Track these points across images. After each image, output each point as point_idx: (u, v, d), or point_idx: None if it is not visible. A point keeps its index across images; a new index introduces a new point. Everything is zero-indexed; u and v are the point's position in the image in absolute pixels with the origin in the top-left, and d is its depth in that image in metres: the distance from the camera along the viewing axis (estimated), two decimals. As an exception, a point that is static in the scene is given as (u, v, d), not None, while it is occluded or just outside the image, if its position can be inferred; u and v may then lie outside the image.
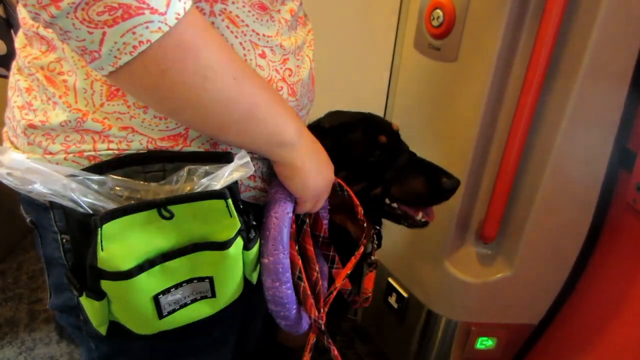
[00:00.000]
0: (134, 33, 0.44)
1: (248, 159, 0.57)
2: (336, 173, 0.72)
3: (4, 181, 0.50)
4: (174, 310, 0.60)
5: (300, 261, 0.67)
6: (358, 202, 0.74)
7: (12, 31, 0.97)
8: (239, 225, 0.59)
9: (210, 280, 0.60)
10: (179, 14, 0.45)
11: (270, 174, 0.68)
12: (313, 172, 0.64)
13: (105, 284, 0.54)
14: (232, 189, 0.57)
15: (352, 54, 1.41)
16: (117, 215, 0.51)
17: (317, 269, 0.72)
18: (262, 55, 0.60)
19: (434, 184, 0.86)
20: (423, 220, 0.91)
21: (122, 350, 0.68)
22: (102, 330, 0.60)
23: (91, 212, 0.52)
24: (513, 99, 1.02)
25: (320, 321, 0.69)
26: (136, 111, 0.55)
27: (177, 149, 0.57)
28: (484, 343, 1.36)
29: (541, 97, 0.99)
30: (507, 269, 1.22)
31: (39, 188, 0.50)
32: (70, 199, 0.51)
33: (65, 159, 0.55)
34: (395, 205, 0.90)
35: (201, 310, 0.63)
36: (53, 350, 1.66)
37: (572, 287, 1.23)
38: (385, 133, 0.88)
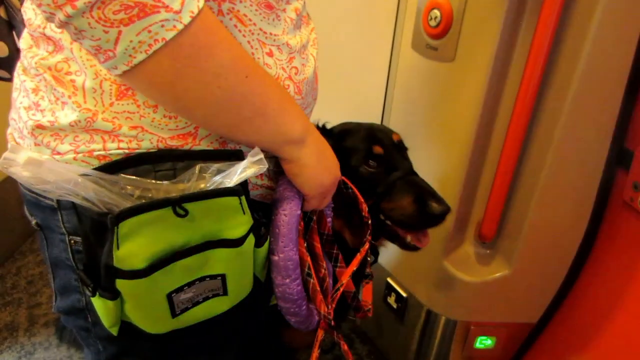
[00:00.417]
0: (149, 31, 0.44)
1: (262, 155, 0.57)
2: None
3: (20, 179, 0.50)
4: (186, 309, 0.60)
5: (309, 258, 0.68)
6: (362, 200, 0.74)
7: (14, 33, 0.97)
8: (251, 222, 0.59)
9: (223, 277, 0.60)
10: (193, 12, 0.46)
11: (277, 173, 0.68)
12: (320, 169, 0.65)
13: (121, 283, 0.54)
14: (243, 187, 0.58)
15: (350, 55, 1.42)
16: (134, 214, 0.51)
17: (324, 265, 0.72)
18: (270, 54, 0.60)
19: (422, 205, 0.83)
20: (411, 244, 0.88)
21: (131, 351, 0.68)
22: (114, 331, 0.60)
23: (106, 210, 0.52)
24: (511, 98, 1.03)
25: (329, 317, 0.69)
26: (146, 110, 0.55)
27: (186, 147, 0.57)
28: (483, 342, 1.36)
29: (538, 96, 1.00)
30: (505, 268, 1.23)
31: (53, 186, 0.50)
32: (84, 198, 0.51)
33: (74, 159, 0.55)
34: (389, 222, 0.89)
35: (213, 308, 0.63)
36: (53, 355, 1.65)
37: (570, 285, 1.24)
38: (382, 144, 0.87)
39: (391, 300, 1.50)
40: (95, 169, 0.54)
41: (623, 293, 1.11)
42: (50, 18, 0.44)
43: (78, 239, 0.61)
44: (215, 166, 0.56)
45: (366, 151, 0.85)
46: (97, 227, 0.53)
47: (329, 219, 0.77)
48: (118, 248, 0.52)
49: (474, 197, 1.21)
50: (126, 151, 0.56)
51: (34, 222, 0.66)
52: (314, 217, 0.74)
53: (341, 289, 0.72)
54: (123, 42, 0.44)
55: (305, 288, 0.68)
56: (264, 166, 0.57)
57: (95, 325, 0.66)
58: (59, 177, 0.50)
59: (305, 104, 0.69)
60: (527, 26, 0.97)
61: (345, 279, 0.72)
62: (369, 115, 1.39)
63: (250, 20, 0.57)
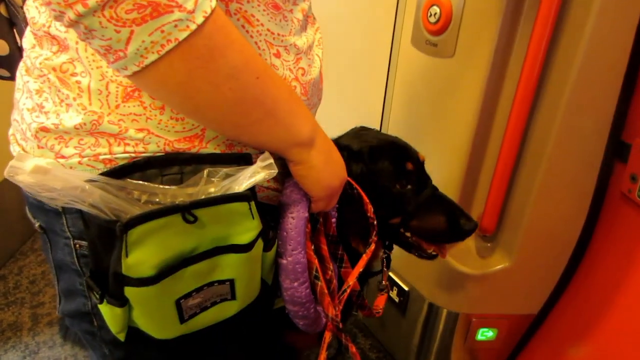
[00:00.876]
0: (162, 32, 0.43)
1: (271, 160, 0.56)
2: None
3: (26, 188, 0.49)
4: (195, 314, 0.60)
5: (316, 260, 0.67)
6: (368, 200, 0.74)
7: (14, 31, 0.96)
8: (260, 226, 0.59)
9: (232, 282, 0.60)
10: (206, 12, 0.45)
11: (283, 174, 0.68)
12: (328, 170, 0.64)
13: (129, 291, 0.53)
14: (252, 191, 0.57)
15: (350, 52, 1.42)
16: (143, 221, 0.51)
17: (331, 267, 0.72)
18: (277, 55, 0.60)
19: (454, 224, 0.84)
20: (434, 253, 0.90)
21: (137, 355, 0.68)
22: (121, 336, 0.60)
23: (114, 218, 0.52)
24: (510, 93, 1.04)
25: (337, 319, 0.69)
26: (152, 112, 0.54)
27: (193, 150, 0.57)
28: (485, 334, 1.37)
29: (537, 90, 1.00)
30: (506, 260, 1.23)
31: (59, 194, 0.49)
32: (91, 205, 0.50)
33: (79, 162, 0.54)
34: (408, 234, 0.89)
35: (221, 312, 0.63)
36: (57, 353, 1.66)
37: (570, 276, 1.25)
38: (413, 161, 0.87)
39: (393, 294, 1.51)
40: (102, 174, 0.53)
41: (622, 283, 1.12)
42: (59, 17, 0.42)
43: (83, 243, 0.60)
44: (224, 170, 0.56)
45: (399, 171, 0.85)
46: (104, 234, 0.53)
47: (334, 220, 0.77)
48: (127, 256, 0.51)
49: (474, 191, 1.21)
50: (132, 155, 0.55)
51: (37, 224, 0.65)
52: (320, 219, 0.73)
53: (348, 291, 0.71)
54: (135, 42, 0.43)
55: (313, 291, 0.68)
56: (274, 171, 0.56)
57: (101, 329, 0.65)
58: (65, 184, 0.49)
59: (310, 105, 0.68)
60: (525, 21, 0.97)
61: (352, 280, 0.72)
62: (370, 111, 1.40)
63: (257, 20, 0.56)
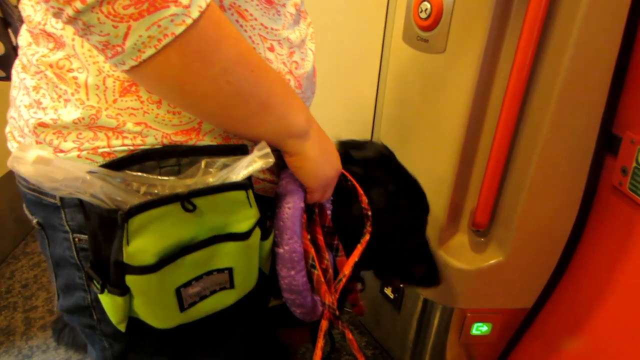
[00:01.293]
0: (159, 26, 0.44)
1: (268, 149, 0.57)
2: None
3: (29, 178, 0.50)
4: (194, 303, 0.60)
5: (312, 250, 0.69)
6: (362, 192, 0.76)
7: (9, 30, 0.96)
8: (258, 215, 0.60)
9: (230, 271, 0.61)
10: (201, 7, 0.46)
11: (279, 166, 0.69)
12: (322, 161, 0.66)
13: (130, 279, 0.54)
14: (249, 180, 0.58)
15: (342, 49, 1.43)
16: (143, 209, 0.52)
17: (327, 257, 0.73)
18: (271, 49, 0.61)
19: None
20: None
21: (137, 347, 0.69)
22: (122, 327, 0.61)
23: (115, 207, 0.52)
24: (501, 88, 1.05)
25: (334, 307, 0.70)
26: (150, 106, 0.55)
27: (190, 143, 0.58)
28: (480, 329, 1.38)
29: (528, 85, 1.02)
30: (500, 254, 1.25)
31: (61, 184, 0.50)
32: (92, 195, 0.51)
33: (78, 156, 0.55)
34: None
35: (220, 301, 0.64)
36: (51, 357, 1.65)
37: (563, 269, 1.26)
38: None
39: (388, 290, 1.52)
40: (101, 166, 0.54)
41: (614, 275, 1.13)
42: (57, 14, 0.43)
43: (82, 236, 0.61)
44: (221, 161, 0.57)
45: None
46: (105, 224, 0.54)
47: (329, 212, 0.78)
48: (128, 244, 0.52)
49: (467, 186, 1.23)
50: (130, 148, 0.56)
51: (34, 221, 0.66)
52: (316, 210, 0.74)
53: (344, 280, 0.73)
54: (132, 37, 0.44)
55: (310, 279, 0.69)
56: (271, 160, 0.57)
57: (101, 322, 0.66)
58: (67, 174, 0.50)
59: (305, 98, 0.70)
60: (516, 16, 0.99)
61: (348, 270, 0.74)
62: (362, 107, 1.41)
63: (251, 15, 0.57)
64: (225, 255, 0.59)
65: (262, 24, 0.59)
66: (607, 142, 1.07)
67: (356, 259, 0.75)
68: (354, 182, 0.75)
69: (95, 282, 0.57)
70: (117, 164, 0.55)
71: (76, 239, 0.61)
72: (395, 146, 1.30)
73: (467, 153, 1.17)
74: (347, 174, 0.76)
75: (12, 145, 0.61)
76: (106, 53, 0.46)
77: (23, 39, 0.60)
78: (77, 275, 0.64)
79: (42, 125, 0.56)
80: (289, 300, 0.69)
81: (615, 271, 1.13)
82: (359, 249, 0.75)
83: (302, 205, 0.66)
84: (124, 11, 0.43)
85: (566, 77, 0.98)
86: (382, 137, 1.34)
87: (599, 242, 1.17)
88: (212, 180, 0.56)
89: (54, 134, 0.56)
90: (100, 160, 0.56)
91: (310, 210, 0.73)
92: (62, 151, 0.56)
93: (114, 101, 0.54)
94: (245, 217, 0.59)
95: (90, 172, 0.52)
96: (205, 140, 0.59)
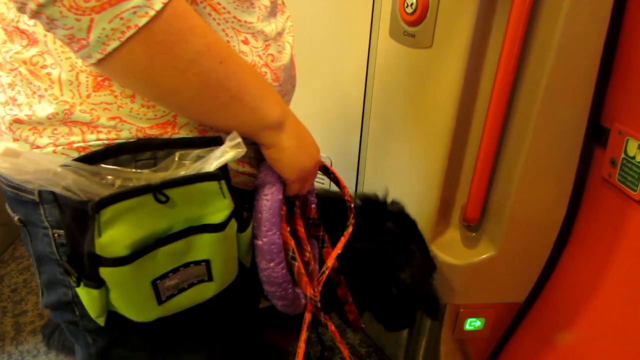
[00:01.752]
0: (121, 18, 0.44)
1: (240, 139, 0.57)
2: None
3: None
4: (172, 295, 0.60)
5: (292, 242, 0.68)
6: (344, 184, 0.75)
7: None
8: (232, 206, 0.59)
9: (207, 263, 0.61)
10: None
11: (258, 159, 0.69)
12: (300, 153, 0.66)
13: (104, 271, 0.54)
14: (223, 171, 0.58)
15: (329, 45, 1.42)
16: (114, 201, 0.51)
17: (308, 249, 0.73)
18: (245, 42, 0.61)
19: None
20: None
21: (120, 342, 0.68)
22: (101, 321, 0.60)
23: (86, 199, 0.52)
24: (489, 81, 1.05)
25: (315, 298, 0.70)
26: (123, 100, 0.55)
27: (166, 136, 0.58)
28: (473, 324, 1.38)
29: (515, 78, 1.01)
30: (491, 249, 1.24)
31: (33, 177, 0.50)
32: (64, 187, 0.51)
33: (54, 151, 0.55)
34: None
35: (199, 294, 0.64)
36: (42, 361, 1.64)
37: (555, 262, 1.26)
38: None
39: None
40: (75, 159, 0.54)
41: (605, 267, 1.13)
42: (21, 9, 0.44)
43: (61, 232, 0.61)
44: (195, 152, 0.56)
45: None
46: (78, 216, 0.53)
47: (314, 205, 0.78)
48: (100, 235, 0.52)
49: (457, 181, 1.22)
50: (105, 142, 0.56)
51: (16, 218, 0.66)
52: (297, 203, 0.74)
53: (327, 272, 0.72)
54: (96, 30, 0.44)
55: (291, 272, 0.69)
56: (243, 149, 0.57)
57: (83, 317, 0.66)
58: (37, 167, 0.49)
59: (283, 92, 0.69)
60: (501, 9, 0.99)
61: (331, 261, 0.73)
62: (350, 103, 1.40)
63: (224, 8, 0.57)
64: (202, 247, 0.59)
65: (235, 17, 0.59)
66: (596, 134, 1.07)
67: (339, 251, 0.75)
68: (336, 174, 0.75)
69: (72, 275, 0.57)
70: (92, 158, 0.55)
71: (55, 235, 0.62)
72: (384, 142, 1.30)
73: (456, 148, 1.16)
74: (328, 166, 0.75)
75: None
76: (72, 47, 0.46)
77: None
78: (58, 271, 0.65)
79: (18, 121, 0.56)
80: (270, 292, 0.69)
81: (606, 263, 1.13)
82: (342, 241, 0.75)
83: (281, 197, 0.66)
84: (85, 4, 0.43)
85: (553, 69, 0.98)
86: (371, 133, 1.34)
87: (589, 234, 1.17)
88: (185, 172, 0.56)
89: (29, 130, 0.56)
90: (76, 155, 0.56)
91: (291, 203, 0.73)
92: (38, 147, 0.56)
93: (88, 96, 0.54)
94: (219, 209, 0.59)
95: (63, 166, 0.52)
96: (181, 134, 0.59)
